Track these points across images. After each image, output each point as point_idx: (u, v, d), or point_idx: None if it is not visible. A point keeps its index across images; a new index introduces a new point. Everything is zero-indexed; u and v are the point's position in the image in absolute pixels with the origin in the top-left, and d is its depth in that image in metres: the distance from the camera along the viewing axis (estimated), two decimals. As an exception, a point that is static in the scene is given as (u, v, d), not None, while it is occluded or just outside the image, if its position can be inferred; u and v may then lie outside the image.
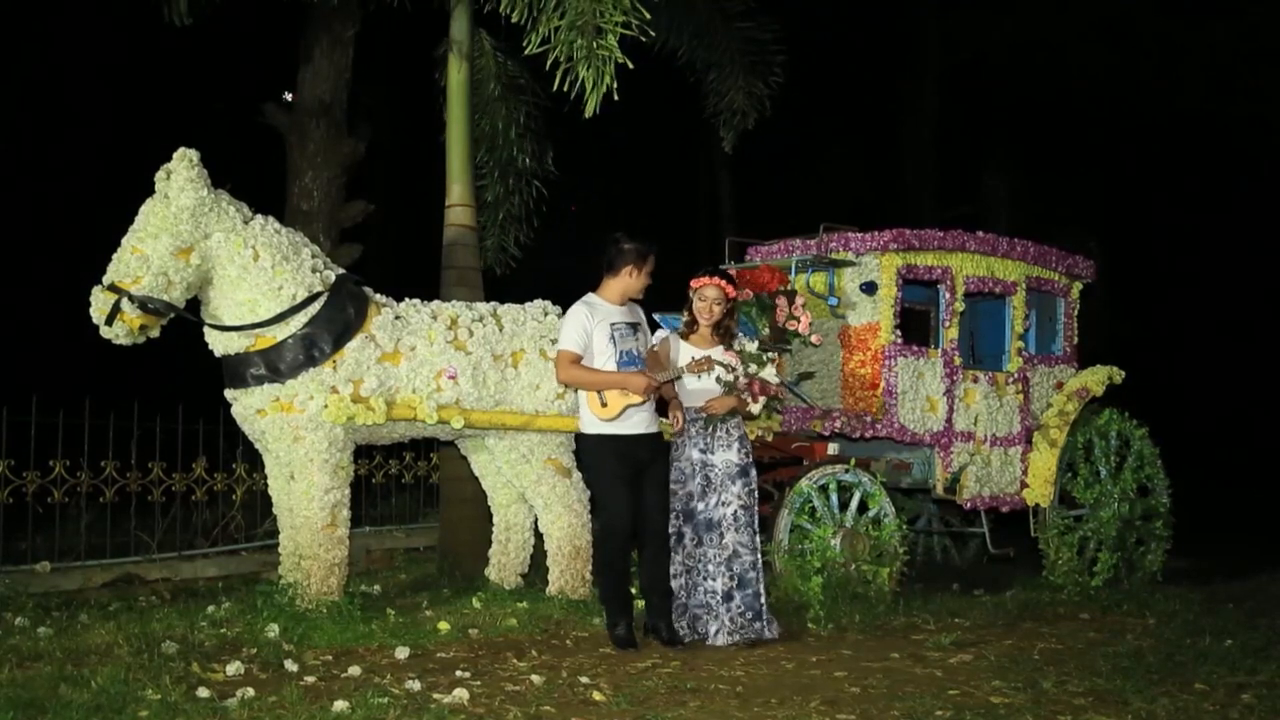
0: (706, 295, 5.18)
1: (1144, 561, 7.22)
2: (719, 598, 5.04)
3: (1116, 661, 4.73)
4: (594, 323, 4.98)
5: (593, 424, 4.98)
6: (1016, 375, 6.94)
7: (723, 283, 5.18)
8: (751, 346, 5.31)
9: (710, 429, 5.13)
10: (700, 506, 5.12)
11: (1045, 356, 7.19)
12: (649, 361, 5.06)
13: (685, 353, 5.13)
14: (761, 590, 5.08)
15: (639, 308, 5.20)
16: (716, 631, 5.01)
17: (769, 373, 5.23)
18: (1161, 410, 8.47)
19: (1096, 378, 7.09)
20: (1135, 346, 13.40)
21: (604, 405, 4.93)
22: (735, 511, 5.08)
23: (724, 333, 5.26)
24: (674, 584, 5.12)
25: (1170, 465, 7.38)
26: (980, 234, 6.79)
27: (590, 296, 5.10)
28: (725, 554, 5.05)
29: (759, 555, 5.12)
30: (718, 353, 5.14)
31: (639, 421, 4.98)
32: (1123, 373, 7.15)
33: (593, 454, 5.10)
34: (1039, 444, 6.90)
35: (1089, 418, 7.09)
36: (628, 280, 5.07)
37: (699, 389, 5.14)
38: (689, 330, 5.24)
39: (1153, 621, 5.79)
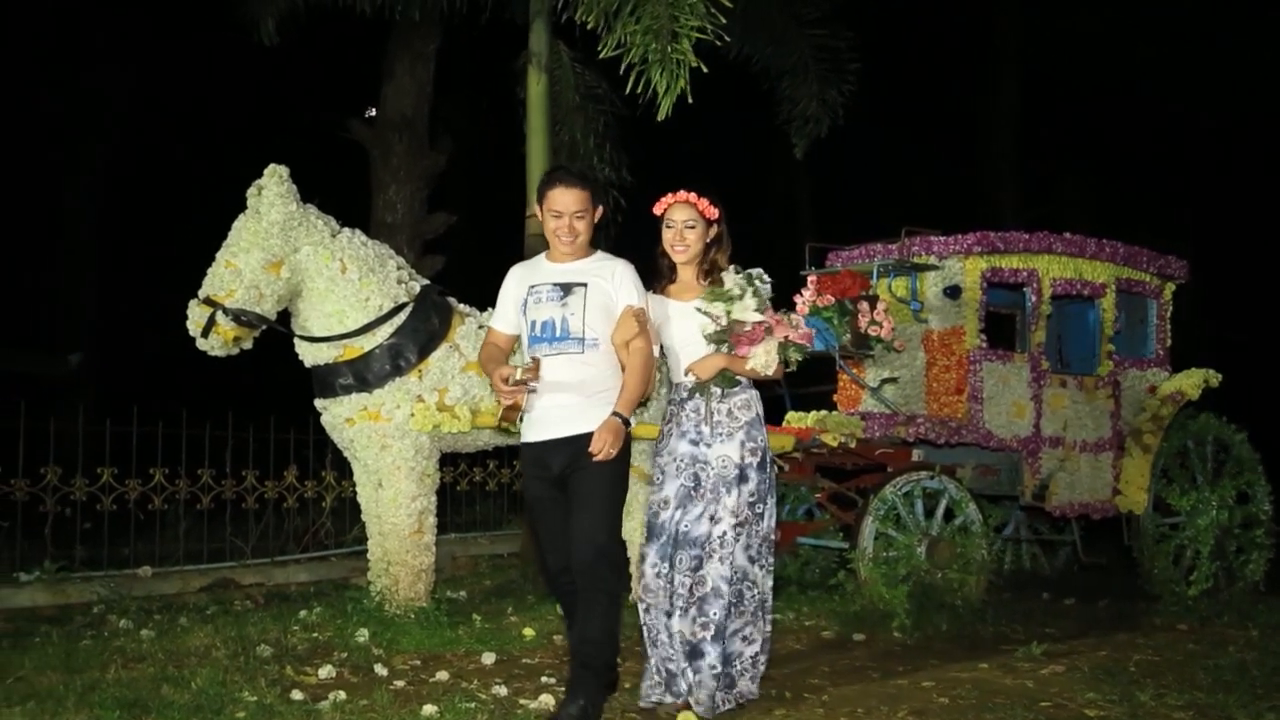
0: (675, 219, 3.88)
1: (1245, 571, 6.96)
2: (686, 653, 3.83)
3: (1218, 674, 4.57)
4: (516, 287, 3.89)
5: None
6: (1106, 379, 6.76)
7: (695, 198, 3.87)
8: (730, 279, 3.87)
9: (706, 402, 3.84)
10: (679, 515, 3.83)
11: (1137, 359, 6.99)
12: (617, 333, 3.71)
13: (669, 311, 3.92)
14: (761, 642, 3.94)
15: (620, 265, 3.78)
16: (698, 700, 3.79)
17: (743, 309, 3.78)
18: (1263, 414, 8.16)
19: (1192, 381, 6.85)
20: (1233, 349, 12.91)
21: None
22: (724, 532, 3.79)
23: (710, 270, 3.92)
24: (663, 642, 3.88)
25: (1272, 471, 7.10)
26: (1067, 235, 6.63)
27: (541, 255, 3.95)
28: (703, 590, 3.79)
29: (763, 592, 3.93)
30: (703, 302, 3.89)
31: (555, 422, 3.72)
32: (1219, 376, 6.90)
33: None
34: (1132, 449, 6.70)
35: (1185, 422, 6.86)
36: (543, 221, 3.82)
37: (688, 353, 3.89)
38: (670, 279, 3.98)
39: (1255, 633, 5.58)
